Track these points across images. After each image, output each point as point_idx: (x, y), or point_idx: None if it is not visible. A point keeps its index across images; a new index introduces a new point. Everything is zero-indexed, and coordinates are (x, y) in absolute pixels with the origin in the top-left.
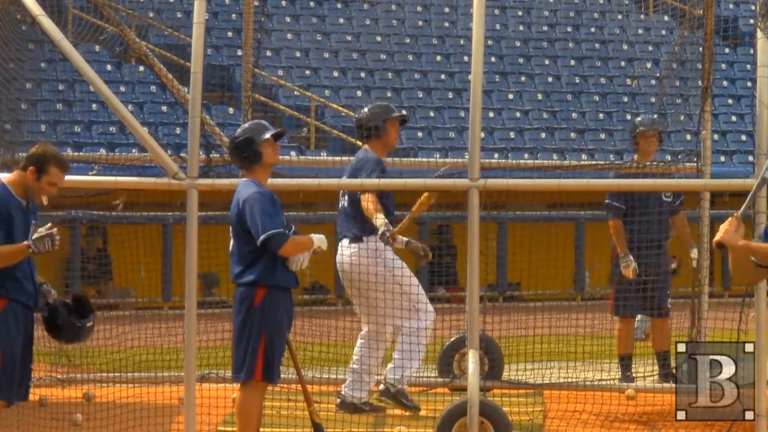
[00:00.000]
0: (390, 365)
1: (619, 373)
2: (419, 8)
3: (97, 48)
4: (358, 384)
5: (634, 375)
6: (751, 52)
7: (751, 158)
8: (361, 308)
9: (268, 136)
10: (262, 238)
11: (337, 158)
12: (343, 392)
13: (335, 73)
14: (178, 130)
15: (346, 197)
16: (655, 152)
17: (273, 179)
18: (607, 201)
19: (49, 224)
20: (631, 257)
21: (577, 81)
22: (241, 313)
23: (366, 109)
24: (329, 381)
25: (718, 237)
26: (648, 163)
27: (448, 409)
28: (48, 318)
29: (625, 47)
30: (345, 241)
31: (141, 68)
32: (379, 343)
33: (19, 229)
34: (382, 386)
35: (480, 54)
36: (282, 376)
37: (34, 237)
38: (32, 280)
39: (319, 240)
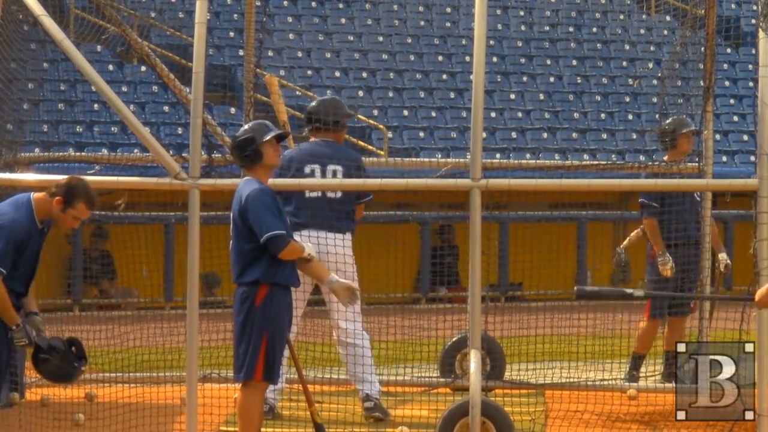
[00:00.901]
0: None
1: (626, 370)
2: (421, 8)
3: (99, 48)
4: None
5: (638, 375)
6: (753, 52)
7: (753, 158)
8: (348, 316)
9: (270, 136)
10: (265, 237)
11: None
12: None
13: (337, 73)
14: (179, 130)
15: (339, 192)
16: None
17: (273, 179)
18: (642, 200)
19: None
20: (669, 256)
21: (579, 81)
22: (242, 312)
23: (321, 101)
24: (331, 381)
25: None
26: (650, 164)
27: (449, 409)
28: (42, 357)
29: (626, 47)
30: (329, 233)
31: (143, 68)
32: (365, 341)
33: (28, 255)
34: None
35: (482, 54)
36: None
37: (32, 332)
38: (26, 290)
39: (310, 249)
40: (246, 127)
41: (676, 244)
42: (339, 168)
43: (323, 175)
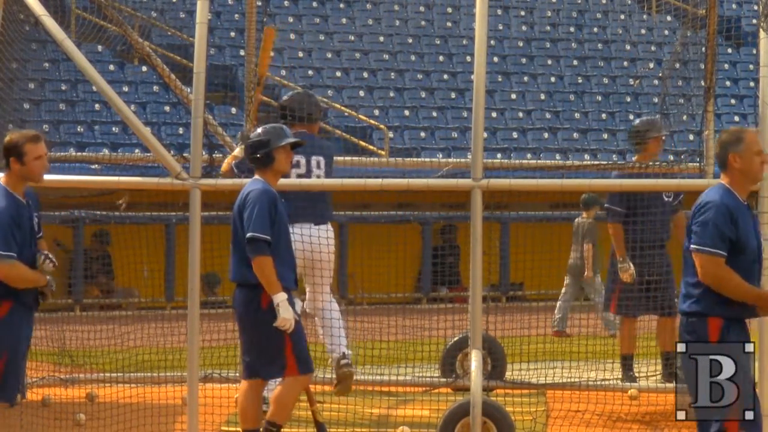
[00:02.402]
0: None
1: (621, 373)
2: (422, 8)
3: (100, 48)
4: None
5: (636, 375)
6: (754, 52)
7: None
8: (324, 289)
9: (284, 143)
10: (249, 234)
11: (339, 158)
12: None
13: (338, 73)
14: (180, 130)
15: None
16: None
17: None
18: (606, 204)
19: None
20: (629, 262)
21: (580, 81)
22: (250, 315)
23: (294, 95)
24: (332, 381)
25: None
26: (651, 163)
27: (450, 409)
28: None
29: (627, 47)
30: (313, 225)
31: (144, 68)
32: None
33: (25, 231)
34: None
35: (483, 54)
36: None
37: (48, 278)
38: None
39: (281, 299)
40: (261, 129)
41: (644, 247)
42: (321, 158)
43: (308, 165)
